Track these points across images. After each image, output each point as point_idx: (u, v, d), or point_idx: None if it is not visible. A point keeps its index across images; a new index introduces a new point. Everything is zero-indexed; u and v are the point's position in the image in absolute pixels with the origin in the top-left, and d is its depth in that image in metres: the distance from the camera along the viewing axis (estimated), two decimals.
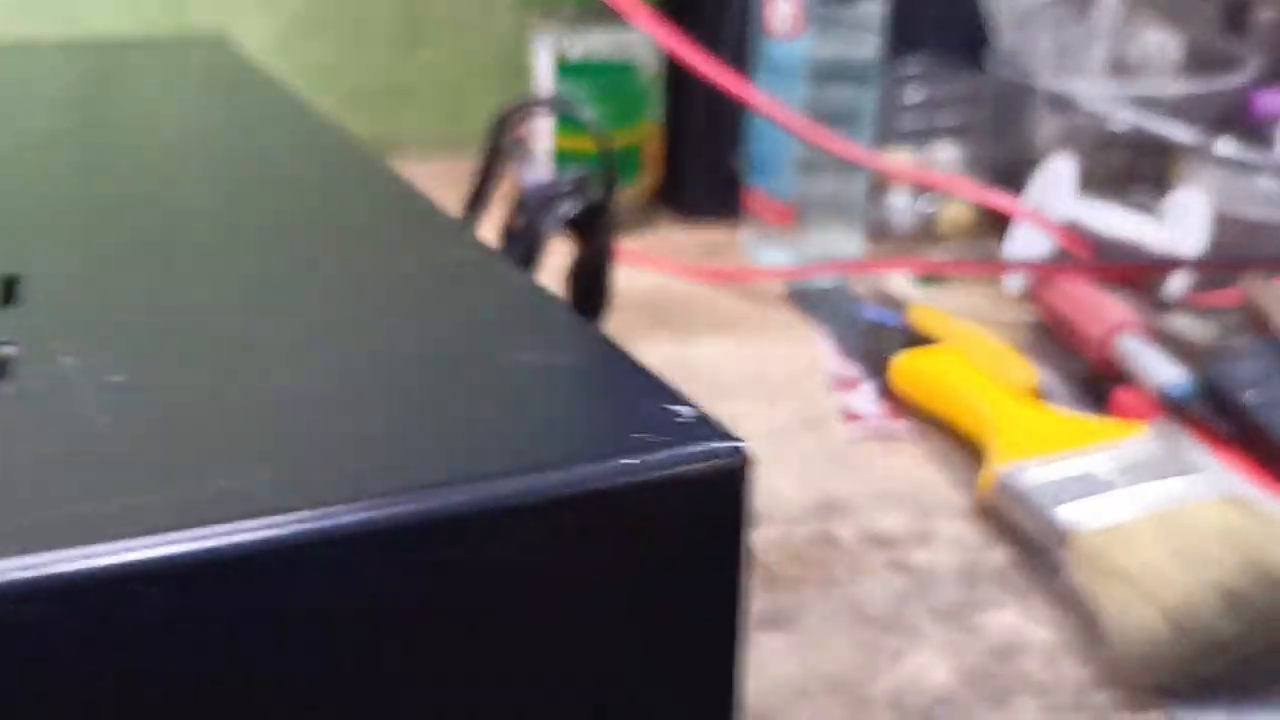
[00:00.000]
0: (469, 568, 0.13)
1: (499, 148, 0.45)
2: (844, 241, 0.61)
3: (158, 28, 0.77)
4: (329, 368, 0.16)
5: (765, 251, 0.63)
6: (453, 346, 0.17)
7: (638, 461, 0.13)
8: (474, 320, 0.18)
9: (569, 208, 0.44)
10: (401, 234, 0.23)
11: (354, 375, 0.16)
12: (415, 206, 0.24)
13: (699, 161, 0.68)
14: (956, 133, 0.66)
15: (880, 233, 0.65)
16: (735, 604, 0.14)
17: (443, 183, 0.74)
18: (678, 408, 0.15)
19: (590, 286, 0.47)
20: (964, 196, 0.58)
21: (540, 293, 0.19)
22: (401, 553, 0.12)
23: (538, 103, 0.45)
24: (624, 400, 0.15)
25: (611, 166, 0.45)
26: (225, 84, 0.44)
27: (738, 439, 0.14)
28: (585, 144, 0.66)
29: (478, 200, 0.46)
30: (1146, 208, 0.55)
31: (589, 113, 0.52)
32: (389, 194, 0.26)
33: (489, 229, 0.46)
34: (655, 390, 0.15)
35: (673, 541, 0.14)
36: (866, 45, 0.58)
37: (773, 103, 0.59)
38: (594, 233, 0.46)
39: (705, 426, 0.15)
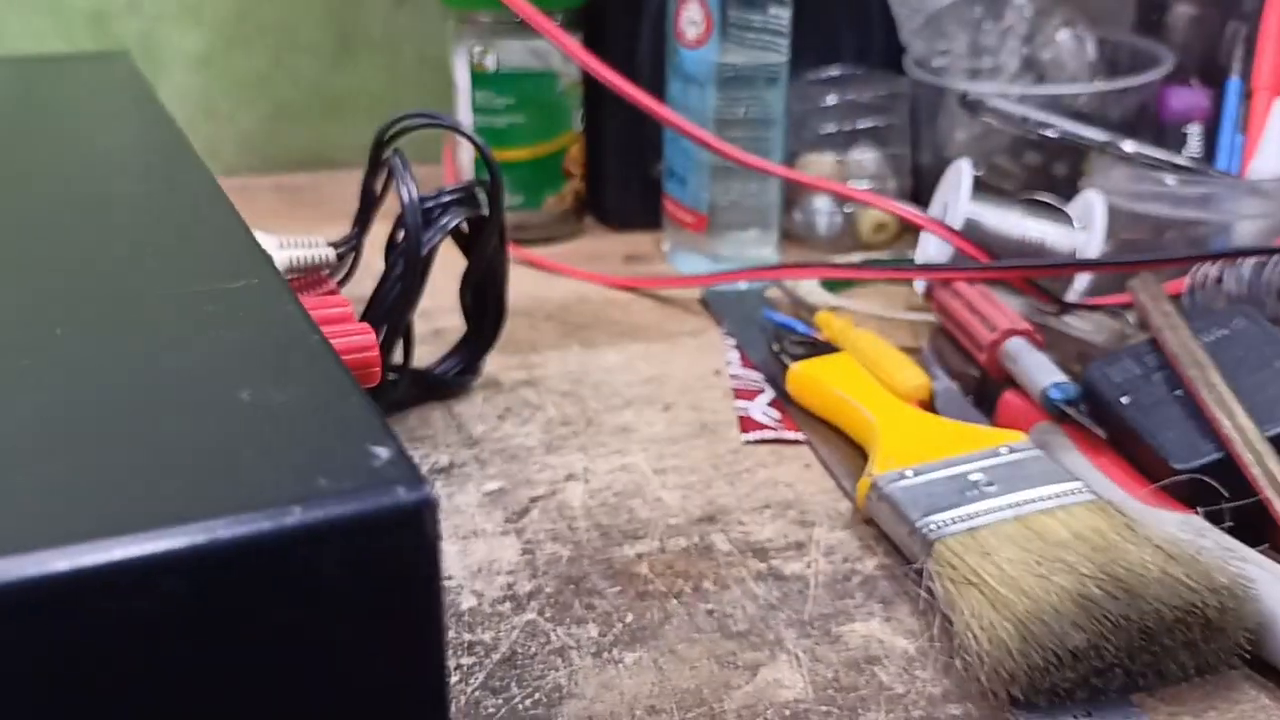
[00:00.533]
0: (114, 622, 0.13)
1: (379, 162, 0.45)
2: (759, 247, 0.62)
3: (82, 43, 0.76)
4: (36, 403, 0.16)
5: (682, 258, 0.63)
6: (176, 383, 0.17)
7: (298, 510, 0.13)
8: (213, 355, 0.18)
9: (450, 220, 0.43)
10: (184, 264, 0.23)
11: (54, 414, 0.16)
12: (220, 234, 0.24)
13: (620, 169, 0.68)
14: (876, 136, 0.66)
15: (803, 237, 0.65)
16: (428, 647, 0.14)
17: None
18: (377, 450, 0.15)
19: (480, 299, 0.47)
20: (869, 204, 0.58)
21: (297, 326, 0.19)
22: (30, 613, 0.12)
23: (416, 116, 0.45)
24: (327, 441, 0.15)
25: (496, 177, 0.45)
26: (104, 105, 0.43)
27: (423, 482, 0.14)
28: (510, 154, 0.66)
29: (361, 216, 0.46)
30: (1057, 209, 0.55)
31: (467, 126, 0.52)
32: (201, 221, 0.26)
33: (374, 244, 0.46)
34: (362, 430, 0.15)
35: (348, 587, 0.14)
36: (775, 49, 0.58)
37: (678, 113, 0.59)
38: (480, 245, 0.46)
39: (396, 469, 0.14)
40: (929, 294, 0.51)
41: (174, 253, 0.24)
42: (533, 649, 0.33)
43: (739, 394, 0.49)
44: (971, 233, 0.52)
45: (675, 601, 0.35)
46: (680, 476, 0.42)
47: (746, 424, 0.46)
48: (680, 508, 0.40)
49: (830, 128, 0.66)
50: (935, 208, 0.57)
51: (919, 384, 0.45)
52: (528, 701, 0.31)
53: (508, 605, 0.35)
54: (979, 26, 0.63)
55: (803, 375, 0.47)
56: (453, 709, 0.30)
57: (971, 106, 0.61)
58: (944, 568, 0.34)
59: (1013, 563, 0.33)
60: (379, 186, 0.46)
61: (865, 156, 0.66)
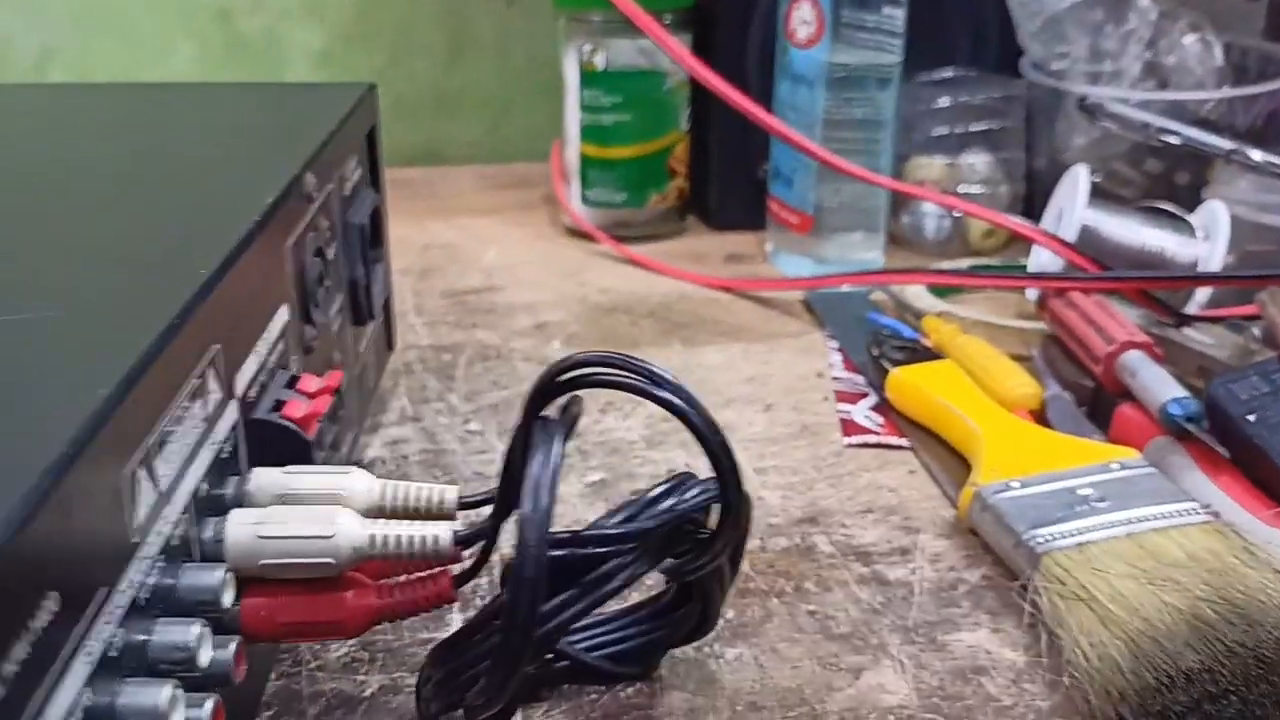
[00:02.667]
0: None
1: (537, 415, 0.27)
2: (864, 250, 0.61)
3: (208, 41, 0.79)
4: None
5: (785, 260, 0.62)
6: None
7: None
8: None
9: (614, 584, 0.28)
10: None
11: None
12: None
13: (725, 169, 0.68)
14: (988, 139, 0.65)
15: (910, 240, 0.64)
16: None
17: (486, 185, 0.76)
18: None
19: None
20: (976, 215, 0.57)
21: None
22: None
23: (596, 365, 0.27)
24: None
25: (732, 508, 0.28)
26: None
27: None
28: (615, 152, 0.66)
29: (503, 495, 0.27)
30: (1179, 218, 0.53)
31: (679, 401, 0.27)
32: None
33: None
34: None
35: None
36: (888, 51, 0.58)
37: (786, 113, 0.59)
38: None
39: None
40: (1042, 302, 0.50)
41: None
42: None
43: (841, 397, 0.48)
44: (1088, 240, 0.51)
45: (776, 600, 0.35)
46: (781, 476, 0.42)
47: (849, 427, 0.46)
48: (781, 508, 0.40)
49: (942, 130, 0.65)
50: (1050, 214, 0.55)
51: (1029, 393, 0.44)
52: (629, 690, 0.31)
53: None
54: (1100, 30, 0.62)
55: (903, 381, 0.46)
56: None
57: (1091, 111, 0.59)
58: (1052, 582, 0.33)
59: (1124, 580, 0.32)
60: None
61: (977, 161, 0.65)
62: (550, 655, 0.31)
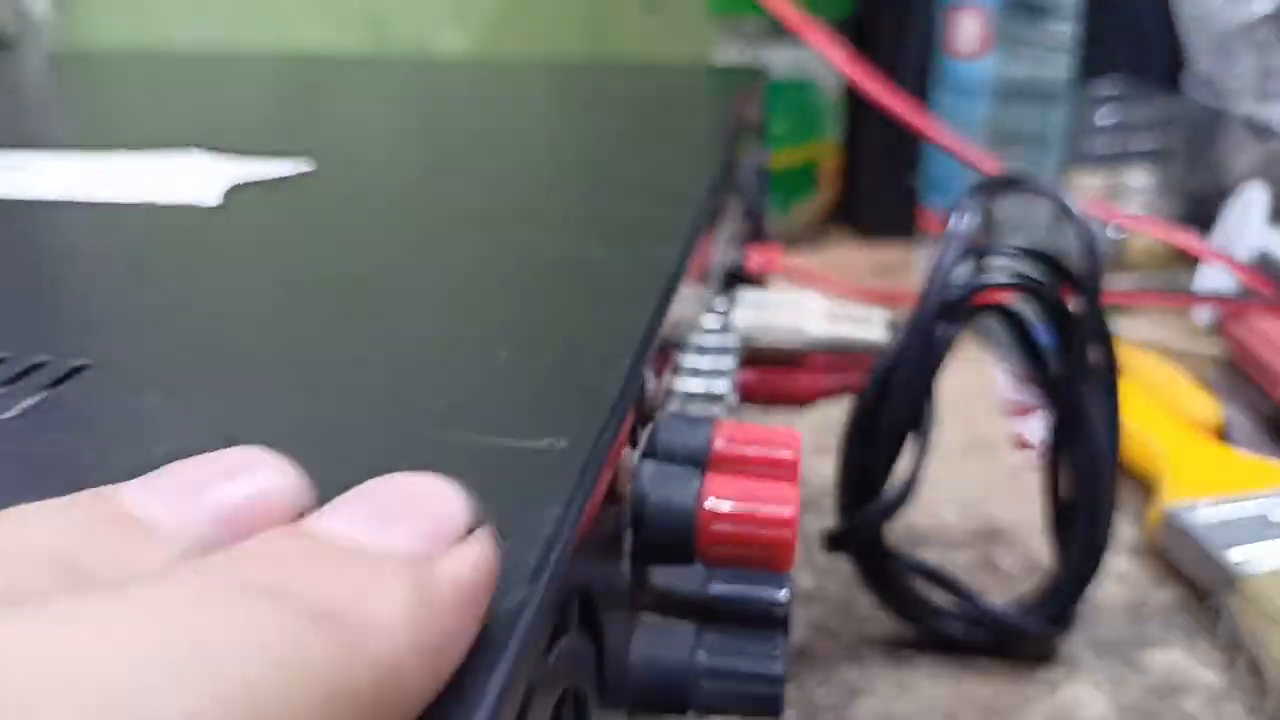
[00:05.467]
0: None
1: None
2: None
3: (361, 41, 0.81)
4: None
5: None
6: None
7: None
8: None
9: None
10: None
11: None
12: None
13: (877, 179, 0.68)
14: (1150, 158, 0.64)
15: (1067, 258, 0.64)
16: None
17: None
18: None
19: (1074, 498, 0.33)
20: (1147, 232, 0.56)
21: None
22: None
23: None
24: None
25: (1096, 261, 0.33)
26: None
27: None
28: (787, 158, 0.66)
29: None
30: None
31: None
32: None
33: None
34: None
35: None
36: (1056, 65, 0.57)
37: (944, 128, 0.58)
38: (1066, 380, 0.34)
39: None
40: (1219, 324, 0.49)
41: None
42: (824, 645, 0.34)
43: (1011, 411, 0.48)
44: (1265, 262, 0.50)
45: None
46: (955, 491, 0.42)
47: (1023, 442, 0.45)
48: (958, 523, 0.40)
49: (1103, 147, 0.64)
50: (1220, 234, 0.55)
51: (1211, 413, 0.43)
52: (821, 691, 0.32)
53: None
54: (1271, 48, 0.61)
55: None
56: None
57: (1259, 131, 0.58)
58: (1249, 604, 0.33)
59: None
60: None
61: (1137, 178, 0.64)
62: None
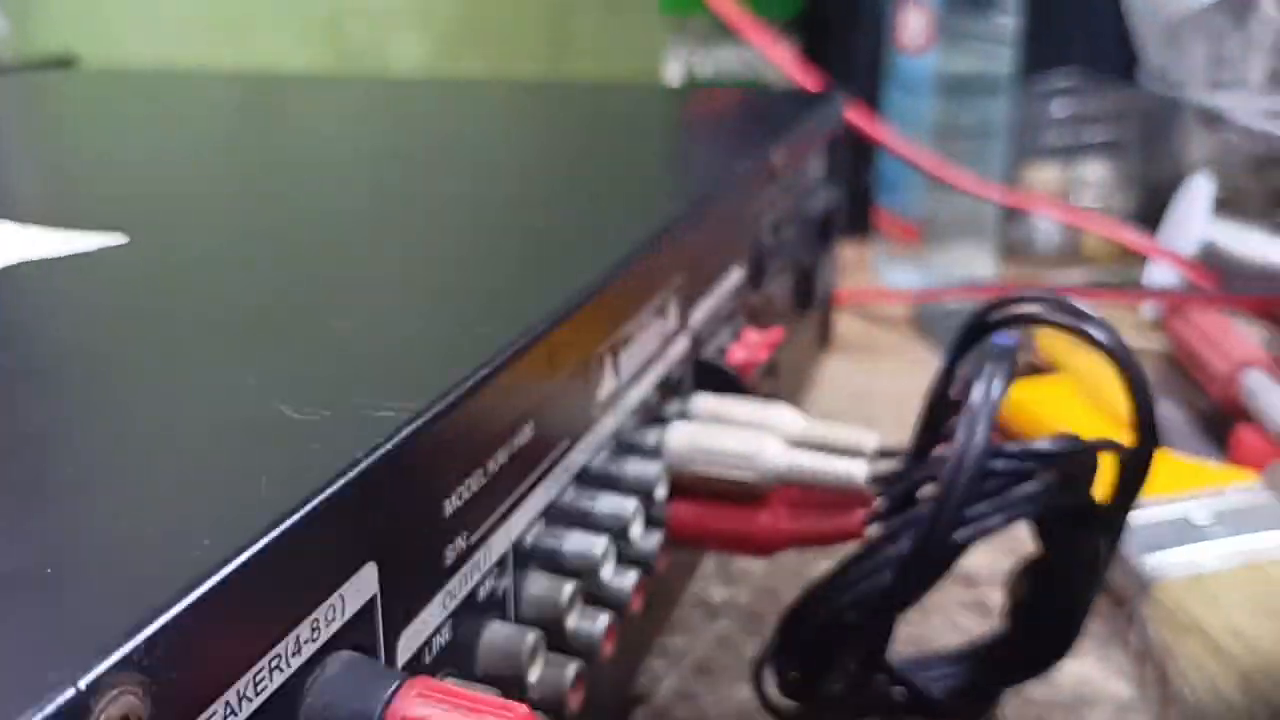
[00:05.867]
0: None
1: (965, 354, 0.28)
2: (975, 262, 0.60)
3: (319, 49, 0.81)
4: None
5: (893, 271, 0.61)
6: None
7: None
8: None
9: (1017, 510, 0.26)
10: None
11: None
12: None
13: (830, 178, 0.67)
14: (1104, 150, 0.63)
15: (1022, 253, 0.63)
16: None
17: None
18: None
19: (1041, 601, 0.29)
20: (1093, 229, 0.55)
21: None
22: None
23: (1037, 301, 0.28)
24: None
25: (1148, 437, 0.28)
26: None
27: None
28: None
29: (923, 437, 0.28)
30: None
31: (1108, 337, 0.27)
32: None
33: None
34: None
35: None
36: (1000, 59, 0.57)
37: (894, 121, 0.58)
38: (1069, 545, 0.29)
39: None
40: (1161, 320, 0.48)
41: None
42: None
43: None
44: (1209, 255, 0.49)
45: None
46: None
47: None
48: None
49: (1056, 139, 0.63)
50: (1169, 226, 0.54)
51: None
52: None
53: None
54: (1222, 37, 0.60)
55: (1016, 398, 0.45)
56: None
57: (1212, 120, 0.57)
58: (1161, 611, 0.32)
59: (1239, 612, 0.31)
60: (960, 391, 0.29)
61: (1092, 171, 0.63)
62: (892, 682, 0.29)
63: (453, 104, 0.50)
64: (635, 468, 0.27)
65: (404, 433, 0.17)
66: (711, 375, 0.32)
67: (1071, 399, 0.44)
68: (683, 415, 0.30)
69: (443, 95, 0.52)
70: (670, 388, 0.30)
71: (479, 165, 0.38)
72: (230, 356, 0.21)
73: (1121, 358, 0.26)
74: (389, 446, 0.17)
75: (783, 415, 0.30)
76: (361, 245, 0.29)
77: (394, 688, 0.16)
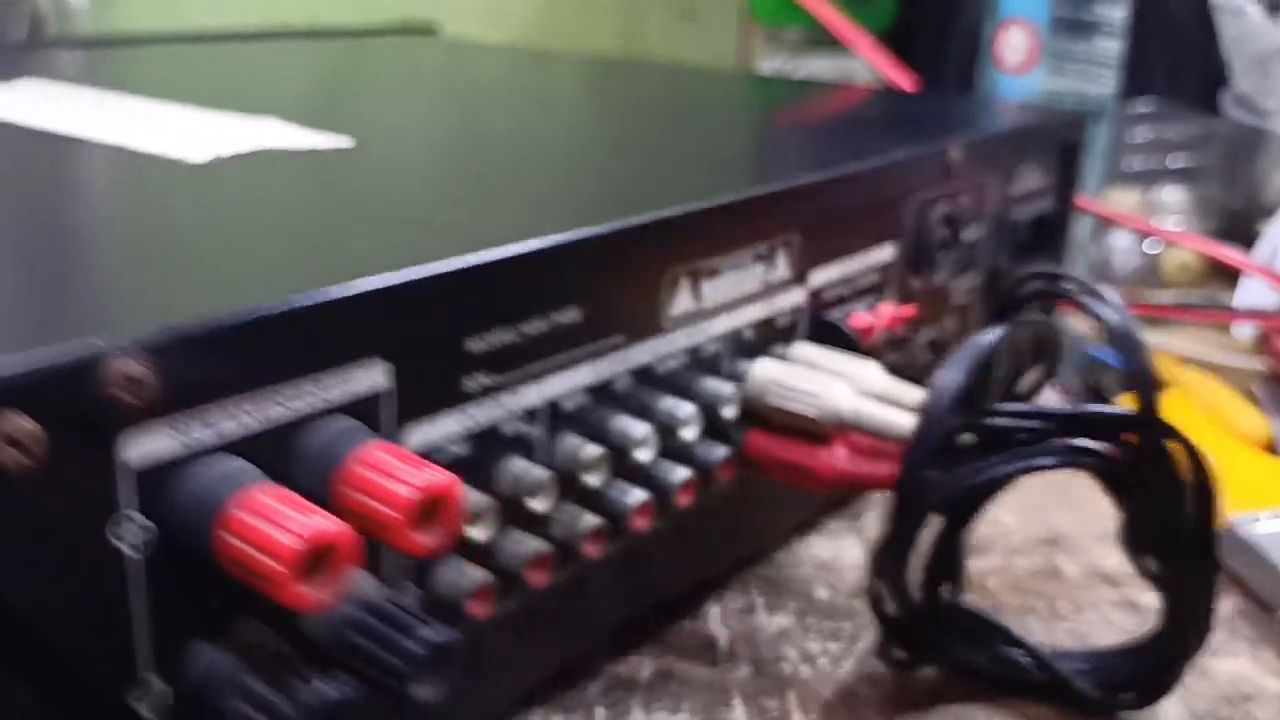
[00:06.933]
0: None
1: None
2: None
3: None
4: None
5: None
6: None
7: None
8: None
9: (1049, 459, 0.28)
10: None
11: None
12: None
13: None
14: (1185, 175, 0.65)
15: (1101, 273, 0.64)
16: None
17: None
18: None
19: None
20: (1189, 246, 0.57)
21: None
22: None
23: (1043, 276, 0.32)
24: None
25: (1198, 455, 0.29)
26: None
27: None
28: None
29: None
30: None
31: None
32: None
33: None
34: None
35: None
36: (1101, 81, 0.58)
37: None
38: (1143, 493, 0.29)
39: None
40: (1262, 340, 0.50)
41: None
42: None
43: None
44: None
45: (1032, 620, 0.36)
46: (1013, 498, 0.42)
47: None
48: (1019, 528, 0.41)
49: (1138, 164, 0.65)
50: (1262, 251, 0.55)
51: (1261, 428, 0.44)
52: None
53: (859, 601, 0.36)
54: None
55: None
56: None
57: None
58: None
59: None
60: None
61: (1172, 196, 0.65)
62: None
63: (629, 79, 0.55)
64: (709, 384, 0.30)
65: (431, 271, 0.22)
66: (828, 331, 0.34)
67: (1188, 413, 0.45)
68: (779, 355, 0.33)
69: (630, 73, 0.57)
70: (775, 331, 0.33)
71: (646, 120, 0.45)
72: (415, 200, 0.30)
73: (1122, 336, 0.29)
74: (415, 277, 0.22)
75: (867, 370, 0.32)
76: (536, 165, 0.35)
77: (359, 443, 0.21)
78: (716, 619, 0.35)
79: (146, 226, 0.26)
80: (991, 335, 0.29)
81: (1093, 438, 0.28)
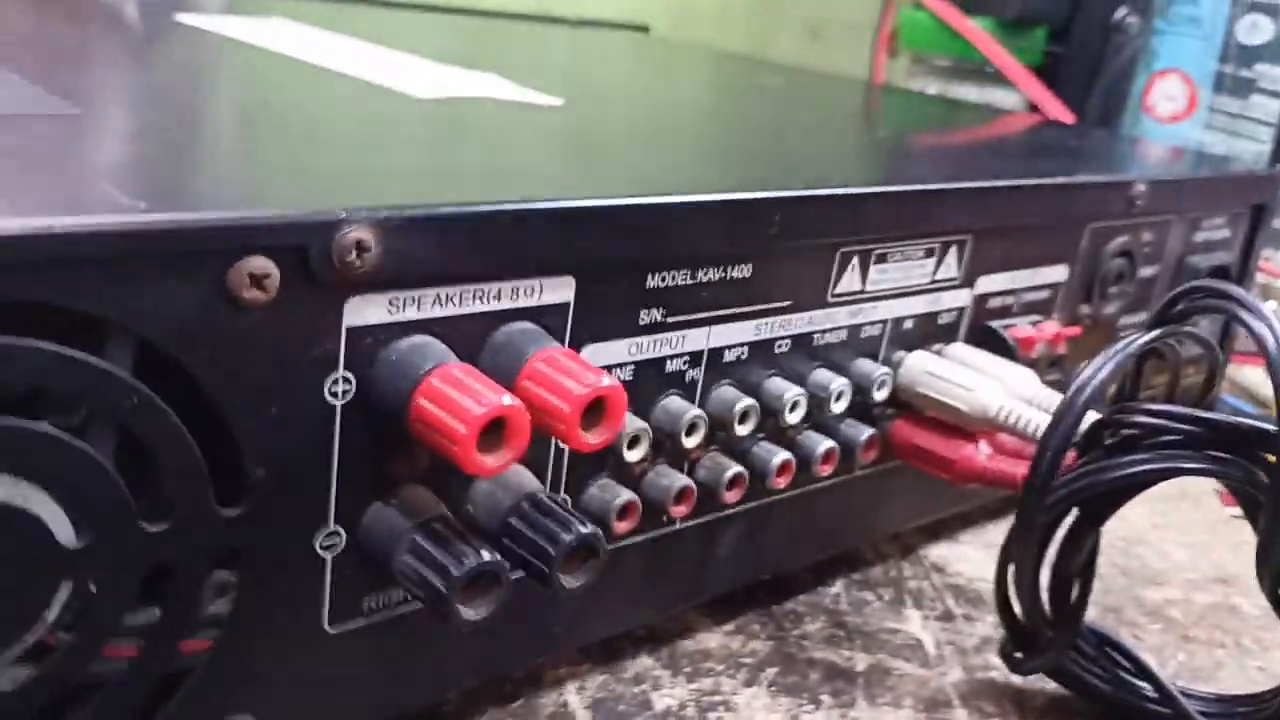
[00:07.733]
0: None
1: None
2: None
3: None
4: None
5: None
6: None
7: None
8: None
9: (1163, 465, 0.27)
10: None
11: None
12: None
13: None
14: None
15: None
16: None
17: None
18: None
19: None
20: None
21: None
22: None
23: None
24: None
25: None
26: None
27: None
28: None
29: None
30: None
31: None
32: None
33: None
34: None
35: None
36: (1259, 138, 0.57)
37: None
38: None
39: None
40: None
41: None
42: None
43: None
44: None
45: (1221, 652, 0.35)
46: (1179, 534, 0.42)
47: (1225, 497, 0.45)
48: (1190, 563, 0.40)
49: None
50: None
51: None
52: None
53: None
54: None
55: None
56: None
57: None
58: None
59: None
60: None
61: None
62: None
63: (813, 84, 0.57)
64: (864, 364, 0.31)
65: (624, 202, 0.24)
66: (987, 336, 0.35)
67: None
68: (936, 351, 0.33)
69: (815, 79, 0.59)
70: (936, 327, 0.34)
71: (835, 118, 0.48)
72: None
73: (1270, 350, 0.27)
74: (610, 203, 0.23)
75: (1020, 375, 0.32)
76: (728, 140, 0.38)
77: (543, 345, 0.22)
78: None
79: (378, 138, 0.29)
80: (1142, 337, 0.29)
81: (1233, 452, 0.28)
